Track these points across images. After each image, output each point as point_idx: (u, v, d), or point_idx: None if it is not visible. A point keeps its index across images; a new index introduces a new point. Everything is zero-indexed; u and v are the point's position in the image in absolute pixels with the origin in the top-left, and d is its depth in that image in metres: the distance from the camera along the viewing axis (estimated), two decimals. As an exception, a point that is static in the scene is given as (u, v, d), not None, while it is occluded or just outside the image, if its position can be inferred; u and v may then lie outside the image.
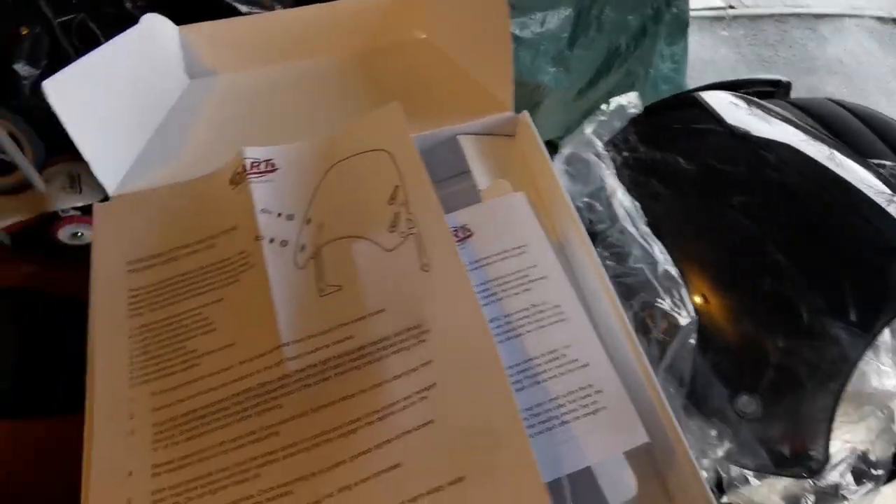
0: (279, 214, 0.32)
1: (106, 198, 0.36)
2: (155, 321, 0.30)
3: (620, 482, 0.27)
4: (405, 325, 0.28)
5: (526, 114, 0.38)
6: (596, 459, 0.26)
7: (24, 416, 0.30)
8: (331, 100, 0.48)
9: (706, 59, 1.74)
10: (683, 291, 0.32)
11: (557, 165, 0.36)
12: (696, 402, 0.33)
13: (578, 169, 0.37)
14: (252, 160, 0.34)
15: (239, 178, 0.33)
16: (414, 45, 0.57)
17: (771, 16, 2.11)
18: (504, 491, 0.22)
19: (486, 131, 0.40)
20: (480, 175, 0.37)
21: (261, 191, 0.32)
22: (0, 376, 0.29)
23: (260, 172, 0.33)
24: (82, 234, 0.98)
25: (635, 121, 0.41)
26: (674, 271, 0.32)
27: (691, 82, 1.18)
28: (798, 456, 0.35)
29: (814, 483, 0.34)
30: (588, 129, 0.38)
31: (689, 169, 0.39)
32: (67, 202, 0.96)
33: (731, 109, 0.47)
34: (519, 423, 0.24)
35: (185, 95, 0.51)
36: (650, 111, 0.41)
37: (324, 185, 0.33)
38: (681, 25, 1.08)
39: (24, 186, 0.94)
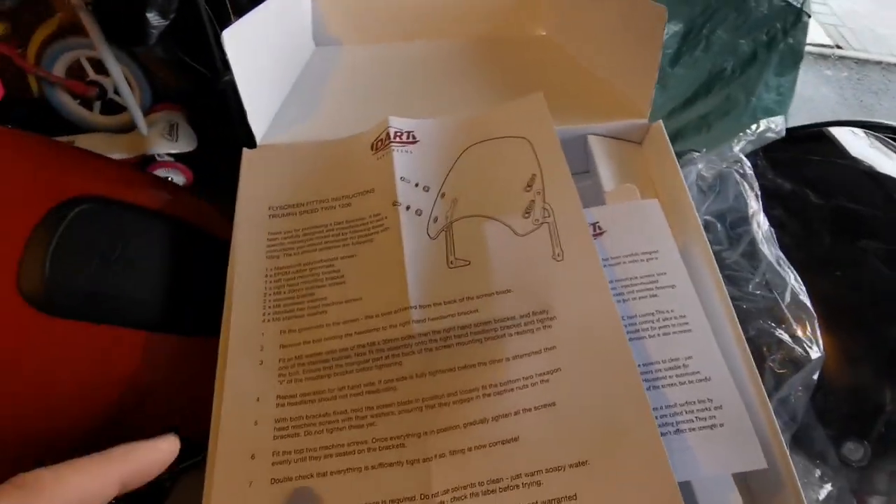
0: (416, 184, 0.33)
1: (245, 146, 0.38)
2: (289, 265, 0.32)
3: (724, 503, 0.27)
4: (531, 308, 0.28)
5: (661, 122, 0.38)
6: (708, 474, 0.25)
7: (157, 330, 0.32)
8: (453, 83, 0.49)
9: (805, 96, 1.66)
10: (816, 324, 0.31)
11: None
12: (799, 439, 0.32)
13: (710, 185, 0.37)
14: (396, 130, 0.35)
15: (381, 144, 0.35)
16: (535, 41, 0.57)
17: (878, 63, 1.99)
18: (632, 481, 0.23)
19: (614, 134, 0.40)
20: (605, 177, 0.37)
21: (401, 159, 0.34)
22: (143, 290, 0.32)
23: (402, 143, 0.35)
24: (172, 178, 1.05)
25: (768, 147, 0.40)
26: (808, 302, 0.32)
27: (789, 118, 1.13)
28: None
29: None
30: (736, 147, 0.38)
31: (819, 204, 0.37)
32: (164, 147, 1.03)
33: (857, 143, 0.46)
34: (650, 417, 0.24)
35: (311, 61, 0.53)
36: (785, 139, 0.40)
37: (460, 163, 0.34)
38: (795, 57, 1.03)
39: (129, 128, 1.01)
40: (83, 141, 0.96)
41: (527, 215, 0.31)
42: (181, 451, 0.41)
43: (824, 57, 1.95)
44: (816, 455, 0.32)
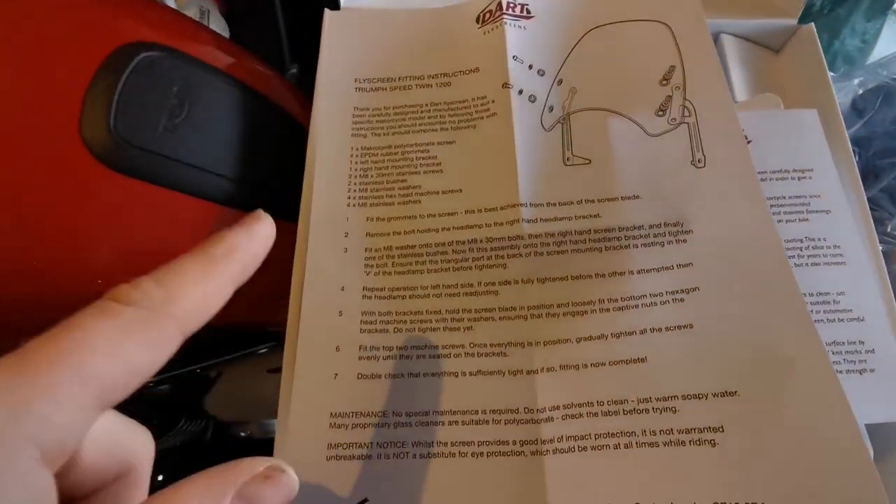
0: (530, 66, 0.28)
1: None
2: (378, 146, 0.28)
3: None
4: (663, 219, 0.25)
5: (812, 26, 0.32)
6: (852, 421, 0.22)
7: (226, 204, 0.29)
8: None
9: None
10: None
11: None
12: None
13: (863, 105, 0.32)
14: (509, 0, 0.30)
15: (491, 17, 0.30)
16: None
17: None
18: (800, 420, 0.20)
19: (750, 36, 0.34)
20: (738, 84, 0.32)
21: (514, 35, 0.29)
22: (210, 158, 0.29)
23: (516, 16, 0.29)
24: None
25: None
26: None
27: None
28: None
29: None
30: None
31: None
32: (194, 37, 0.95)
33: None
34: (821, 347, 0.21)
35: None
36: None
37: (581, 47, 0.29)
38: (886, 2, 0.93)
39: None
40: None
41: (661, 113, 0.27)
42: (240, 340, 0.39)
43: (902, 12, 1.79)
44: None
